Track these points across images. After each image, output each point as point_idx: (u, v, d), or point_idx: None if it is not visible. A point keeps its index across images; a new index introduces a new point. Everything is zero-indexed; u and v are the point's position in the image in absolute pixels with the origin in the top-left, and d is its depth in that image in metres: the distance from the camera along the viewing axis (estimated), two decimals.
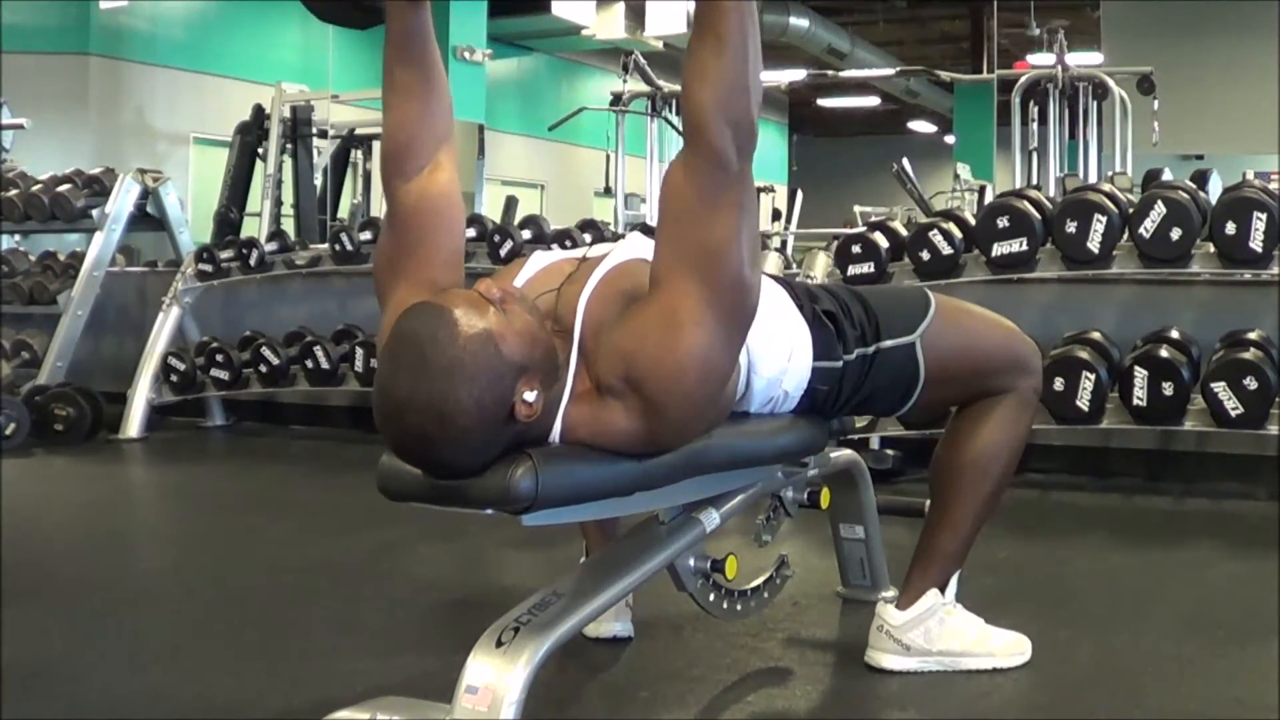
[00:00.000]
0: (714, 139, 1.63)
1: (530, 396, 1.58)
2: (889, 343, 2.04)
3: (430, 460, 1.59)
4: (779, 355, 1.89)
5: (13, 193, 5.77)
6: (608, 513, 1.86)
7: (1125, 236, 3.71)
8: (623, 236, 1.89)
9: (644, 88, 8.47)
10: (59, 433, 4.96)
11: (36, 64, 10.15)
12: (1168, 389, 3.60)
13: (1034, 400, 2.15)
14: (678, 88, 8.49)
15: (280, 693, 2.09)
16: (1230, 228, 3.56)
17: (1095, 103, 7.62)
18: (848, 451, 2.42)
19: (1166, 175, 5.35)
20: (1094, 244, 3.70)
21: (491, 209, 8.96)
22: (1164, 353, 3.64)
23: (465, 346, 1.54)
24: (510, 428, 1.58)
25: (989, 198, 7.42)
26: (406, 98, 1.86)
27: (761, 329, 1.86)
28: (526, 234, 4.92)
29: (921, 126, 20.78)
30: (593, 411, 1.65)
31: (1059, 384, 3.63)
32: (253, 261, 5.34)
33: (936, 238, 3.91)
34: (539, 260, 1.86)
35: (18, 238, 6.36)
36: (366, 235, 5.11)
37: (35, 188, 5.74)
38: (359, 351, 4.90)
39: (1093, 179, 7.26)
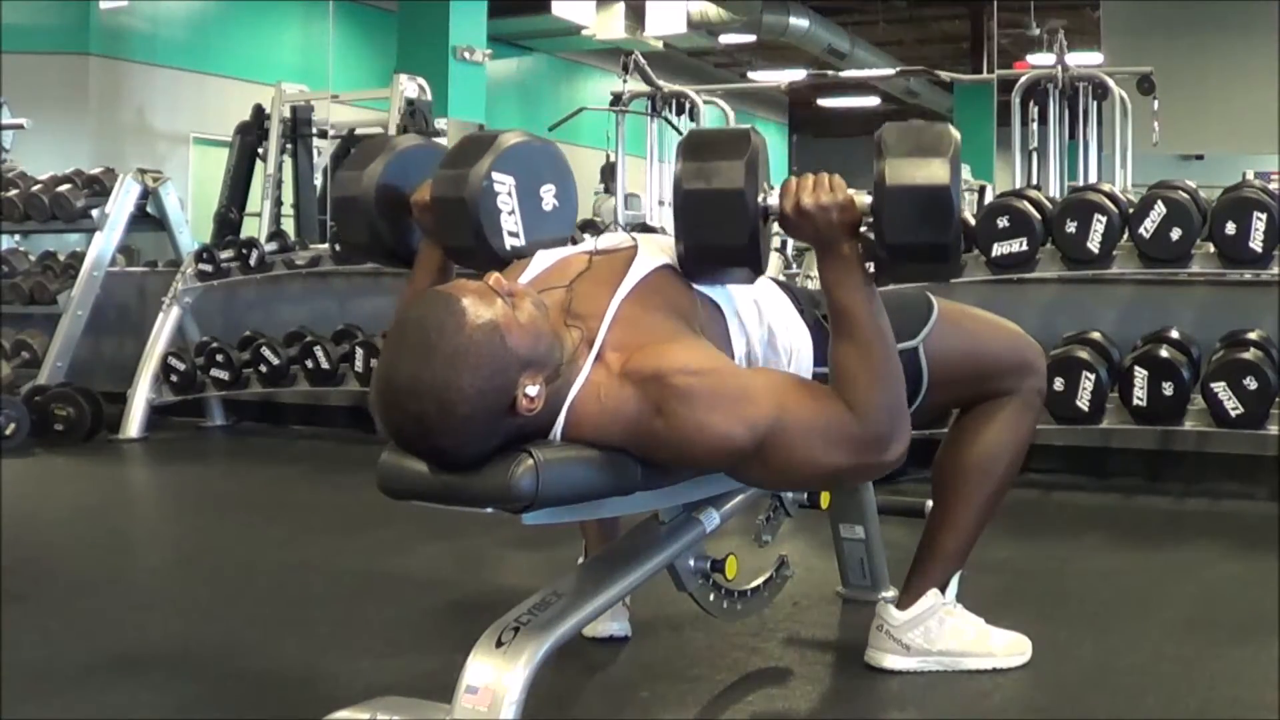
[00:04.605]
0: (872, 421, 1.70)
1: (533, 390, 1.58)
2: None
3: (427, 447, 1.60)
4: (777, 359, 1.89)
5: (13, 193, 5.76)
6: (608, 512, 1.86)
7: (1125, 236, 3.71)
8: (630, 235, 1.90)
9: (644, 88, 8.45)
10: (59, 433, 4.96)
11: (36, 64, 10.14)
12: (1168, 389, 3.60)
13: (1037, 402, 2.15)
14: (678, 88, 8.51)
15: (280, 693, 2.09)
16: (1230, 228, 3.56)
17: (1095, 103, 7.60)
18: None
19: None
20: (1094, 244, 3.70)
21: None
22: (1164, 353, 3.64)
23: (471, 336, 1.55)
24: (510, 420, 1.59)
25: (989, 198, 7.42)
26: None
27: (760, 332, 1.86)
28: None
29: None
30: (603, 403, 1.65)
31: (1059, 384, 3.63)
32: (253, 261, 5.33)
33: None
34: (544, 258, 1.86)
35: (18, 238, 6.35)
36: None
37: (35, 188, 5.73)
38: (359, 351, 4.90)
39: (1093, 179, 7.25)
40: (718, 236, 1.75)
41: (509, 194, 1.93)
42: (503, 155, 1.93)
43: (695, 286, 1.82)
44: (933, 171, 1.70)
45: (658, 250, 1.83)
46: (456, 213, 1.92)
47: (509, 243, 1.93)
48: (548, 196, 1.99)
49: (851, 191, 1.76)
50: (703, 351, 1.70)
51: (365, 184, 2.03)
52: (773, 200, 1.76)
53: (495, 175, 1.91)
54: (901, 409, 1.74)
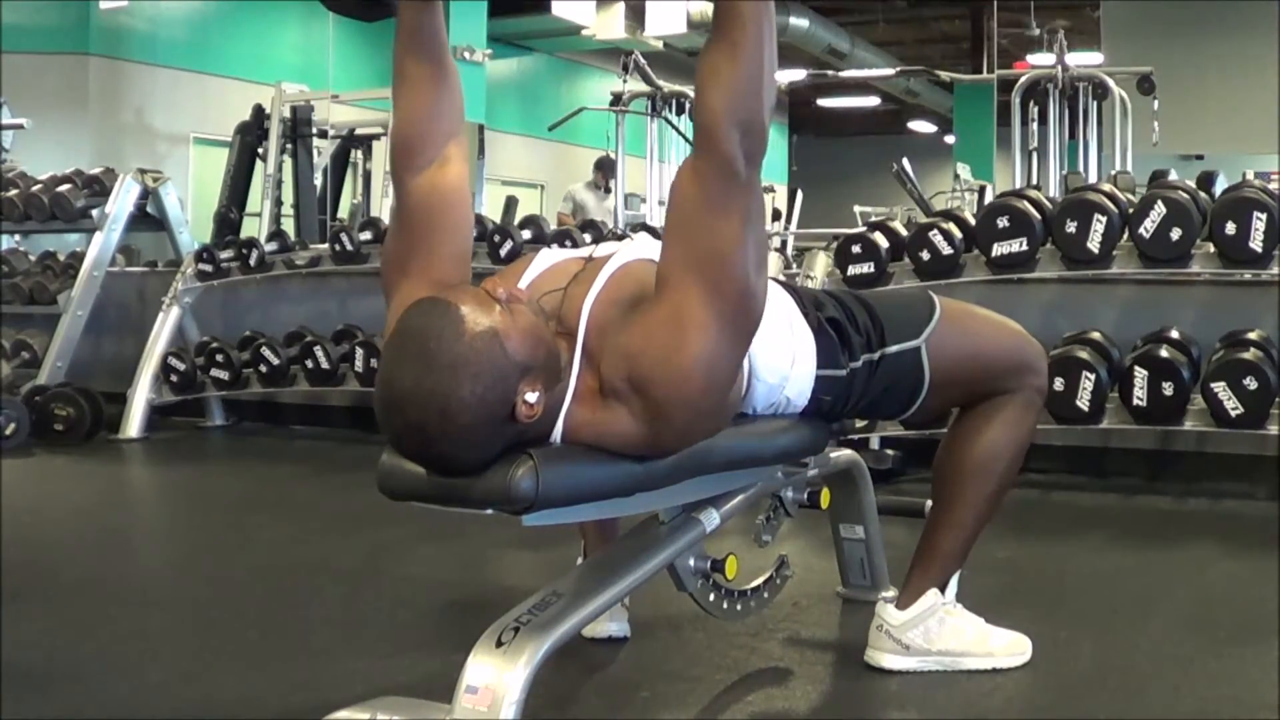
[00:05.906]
0: (723, 144, 1.63)
1: (532, 397, 1.58)
2: (894, 348, 2.03)
3: (428, 455, 1.60)
4: (781, 361, 1.89)
5: (13, 193, 5.77)
6: (608, 513, 1.86)
7: (1125, 236, 3.71)
8: (628, 236, 1.88)
9: (644, 88, 8.46)
10: (59, 433, 4.96)
11: (36, 64, 10.14)
12: (1168, 389, 3.60)
13: (1038, 401, 2.15)
14: (678, 88, 8.51)
15: (280, 693, 2.09)
16: (1230, 228, 3.56)
17: (1095, 103, 7.62)
18: (848, 451, 2.42)
19: (1172, 176, 5.33)
20: (1094, 244, 3.70)
21: (491, 209, 8.96)
22: (1164, 353, 3.64)
23: (471, 344, 1.54)
24: (511, 427, 1.58)
25: (989, 198, 7.42)
26: (417, 91, 1.87)
27: (763, 334, 1.86)
28: (526, 234, 4.92)
29: (921, 126, 20.78)
30: (595, 414, 1.64)
31: (1059, 384, 3.63)
32: (253, 261, 5.34)
33: (936, 238, 3.91)
34: (545, 259, 1.85)
35: (18, 238, 6.36)
36: (366, 235, 5.11)
37: (35, 188, 5.74)
38: (359, 351, 4.90)
39: (1093, 179, 7.26)
40: None
41: None
42: None
43: None
44: None
45: (646, 249, 1.81)
46: None
47: None
48: None
49: None
50: (634, 325, 1.66)
51: None
52: None
53: None
54: (757, 124, 1.64)
